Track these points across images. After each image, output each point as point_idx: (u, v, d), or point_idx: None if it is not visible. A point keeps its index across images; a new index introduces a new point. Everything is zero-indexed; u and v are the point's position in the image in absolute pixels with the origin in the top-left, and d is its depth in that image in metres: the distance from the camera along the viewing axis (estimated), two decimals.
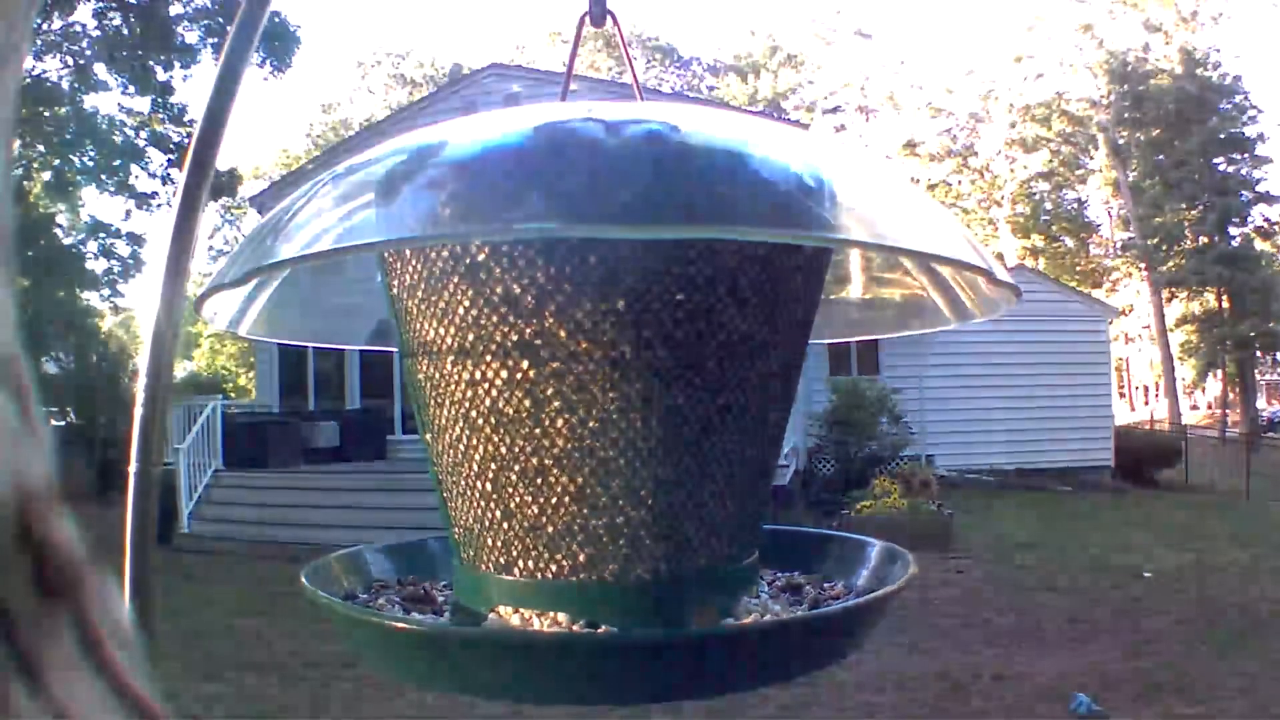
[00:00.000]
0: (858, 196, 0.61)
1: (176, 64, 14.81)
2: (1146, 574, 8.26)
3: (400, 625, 0.66)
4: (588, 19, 0.80)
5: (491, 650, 0.63)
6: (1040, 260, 34.92)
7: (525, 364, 0.63)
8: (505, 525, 0.66)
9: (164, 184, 15.26)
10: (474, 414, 0.66)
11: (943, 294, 0.79)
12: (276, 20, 13.32)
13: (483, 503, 0.67)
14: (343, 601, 0.71)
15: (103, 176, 15.48)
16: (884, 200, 0.63)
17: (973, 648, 6.09)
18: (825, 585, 0.76)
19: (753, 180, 0.59)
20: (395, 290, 0.69)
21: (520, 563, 0.66)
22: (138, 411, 0.78)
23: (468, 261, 0.64)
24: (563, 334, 0.63)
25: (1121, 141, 32.59)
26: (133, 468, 0.78)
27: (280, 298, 0.78)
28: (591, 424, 0.63)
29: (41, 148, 14.89)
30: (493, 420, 0.65)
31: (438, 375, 0.68)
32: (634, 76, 0.89)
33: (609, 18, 0.80)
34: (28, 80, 12.91)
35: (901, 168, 34.12)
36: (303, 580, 0.70)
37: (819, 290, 0.73)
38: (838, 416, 13.67)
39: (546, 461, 0.64)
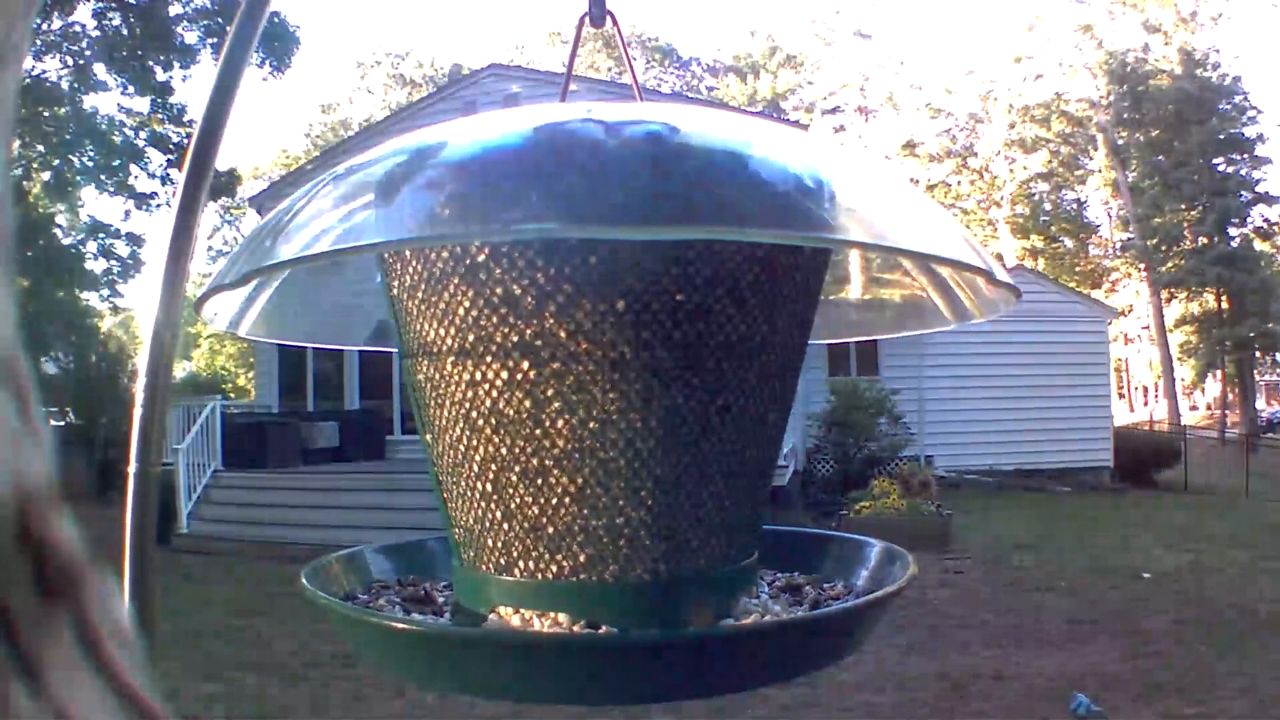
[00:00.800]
0: (857, 197, 0.61)
1: (176, 64, 14.82)
2: (1146, 575, 8.26)
3: (401, 626, 0.66)
4: (587, 20, 0.80)
5: (492, 650, 0.63)
6: (1040, 261, 34.94)
7: (525, 365, 0.64)
8: (505, 526, 0.66)
9: (163, 184, 15.26)
10: (474, 415, 0.66)
11: (942, 295, 0.79)
12: (276, 20, 13.33)
13: (483, 503, 0.67)
14: (342, 602, 0.71)
15: (102, 177, 15.49)
16: (883, 200, 0.63)
17: (972, 648, 6.09)
18: (824, 586, 0.76)
19: (752, 181, 0.59)
20: (395, 291, 0.69)
21: (520, 563, 0.66)
22: (137, 411, 0.78)
23: (468, 262, 0.64)
24: (563, 334, 0.63)
25: (1121, 142, 32.61)
26: (132, 468, 0.78)
27: (280, 298, 0.78)
28: (591, 425, 0.63)
29: (41, 148, 14.89)
30: (493, 421, 0.65)
31: (438, 376, 0.68)
32: (633, 77, 0.89)
33: (609, 18, 0.80)
34: (28, 80, 12.92)
35: (901, 168, 34.16)
36: (302, 580, 0.70)
37: (818, 290, 0.73)
38: (837, 417, 13.67)
39: (547, 462, 0.64)
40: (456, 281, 0.64)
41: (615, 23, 0.80)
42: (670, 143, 0.58)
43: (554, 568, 0.65)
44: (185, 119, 14.87)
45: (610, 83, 16.92)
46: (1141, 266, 32.28)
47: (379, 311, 0.79)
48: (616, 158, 0.57)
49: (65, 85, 14.63)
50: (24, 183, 14.59)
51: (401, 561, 0.83)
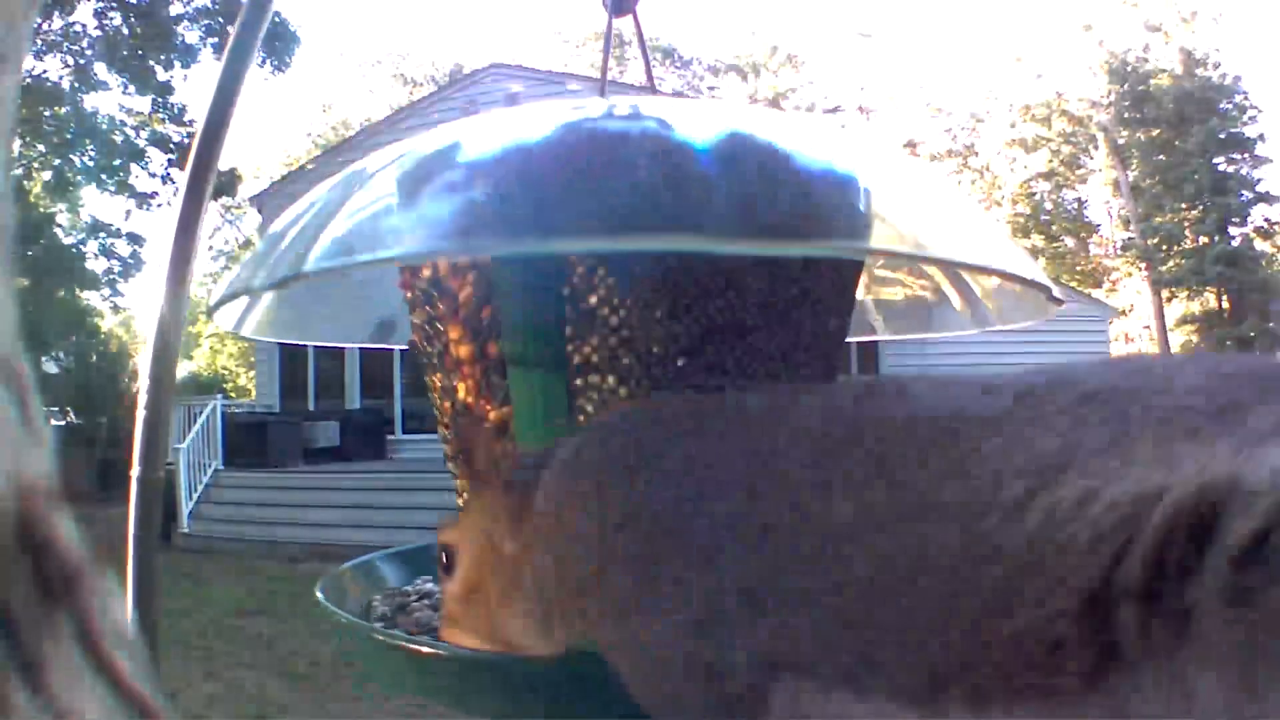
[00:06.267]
0: (932, 212, 0.60)
1: (177, 64, 14.81)
2: None
3: (411, 646, 0.64)
4: (607, 8, 0.80)
5: (471, 669, 0.62)
6: (1041, 260, 34.90)
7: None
8: None
9: (164, 184, 15.26)
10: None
11: (966, 300, 0.79)
12: (276, 20, 13.32)
13: None
14: (343, 613, 0.71)
15: (103, 176, 15.47)
16: (955, 215, 0.62)
17: None
18: None
19: (837, 192, 0.58)
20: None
21: None
22: (140, 414, 0.78)
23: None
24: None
25: (1121, 141, 32.59)
26: (135, 472, 0.78)
27: (283, 299, 0.78)
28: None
29: (41, 147, 14.89)
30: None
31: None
32: (649, 77, 0.90)
33: (631, 17, 0.80)
34: (28, 80, 12.91)
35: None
36: (318, 595, 0.69)
37: (852, 301, 0.73)
38: None
39: None
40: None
41: (636, 22, 0.81)
42: (749, 152, 0.57)
43: None
44: (186, 118, 14.85)
45: (611, 82, 16.89)
46: (1142, 266, 32.26)
47: (383, 308, 0.78)
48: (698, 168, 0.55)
49: (66, 85, 14.63)
50: (24, 182, 14.59)
51: None
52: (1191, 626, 0.30)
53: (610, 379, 0.62)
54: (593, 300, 0.62)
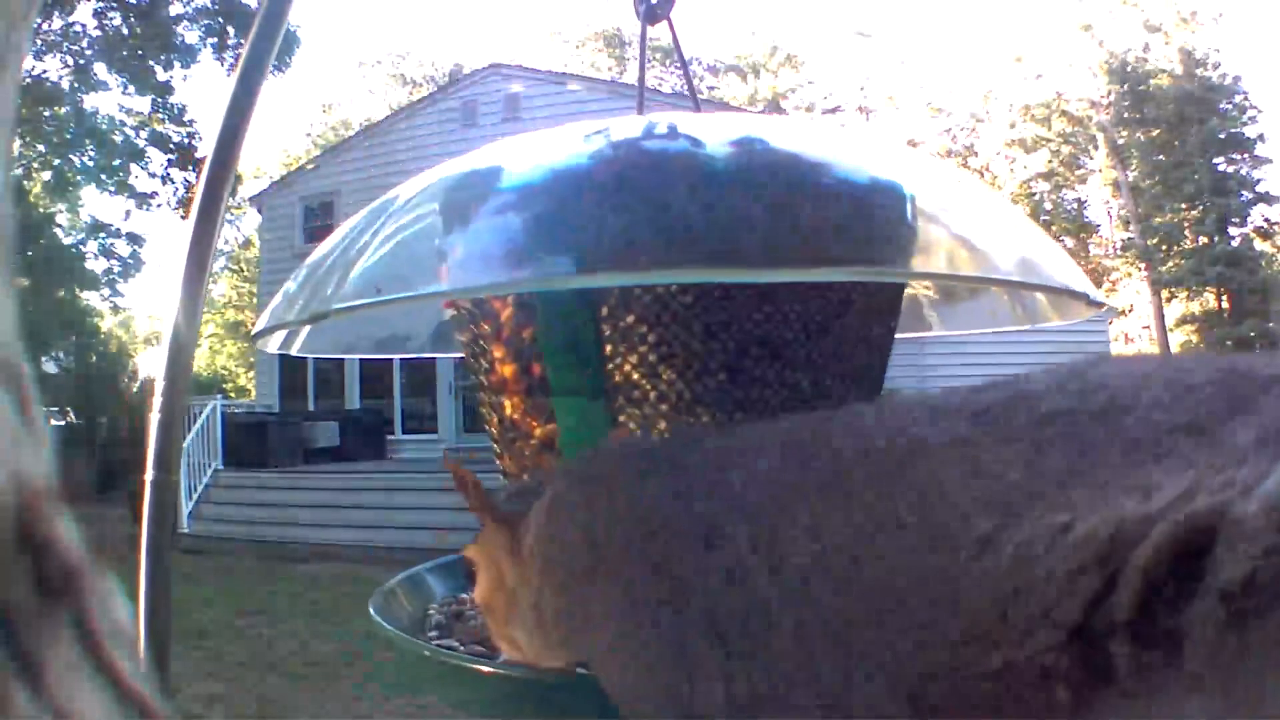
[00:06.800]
0: (983, 224, 0.60)
1: (176, 64, 14.82)
2: None
3: (475, 665, 0.64)
4: (641, 14, 0.80)
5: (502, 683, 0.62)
6: None
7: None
8: None
9: (164, 184, 15.27)
10: None
11: (1015, 299, 0.79)
12: None
13: None
14: (390, 627, 0.71)
15: (103, 176, 15.48)
16: (1021, 236, 0.62)
17: None
18: None
19: (877, 210, 0.57)
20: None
21: None
22: (154, 418, 0.78)
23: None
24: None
25: (1121, 141, 32.60)
26: (149, 475, 0.78)
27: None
28: None
29: (41, 147, 14.89)
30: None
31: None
32: (690, 89, 0.90)
33: (667, 24, 0.80)
34: (28, 80, 12.91)
35: None
36: (372, 613, 0.70)
37: (898, 305, 0.73)
38: None
39: None
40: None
41: (672, 29, 0.80)
42: (791, 174, 0.57)
43: None
44: (185, 119, 14.88)
45: (612, 82, 16.88)
46: (1142, 266, 32.27)
47: (427, 323, 0.79)
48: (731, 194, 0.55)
49: (65, 85, 14.63)
50: (24, 182, 14.59)
51: None
52: (1184, 652, 0.31)
53: (652, 395, 0.63)
54: (630, 319, 0.62)
